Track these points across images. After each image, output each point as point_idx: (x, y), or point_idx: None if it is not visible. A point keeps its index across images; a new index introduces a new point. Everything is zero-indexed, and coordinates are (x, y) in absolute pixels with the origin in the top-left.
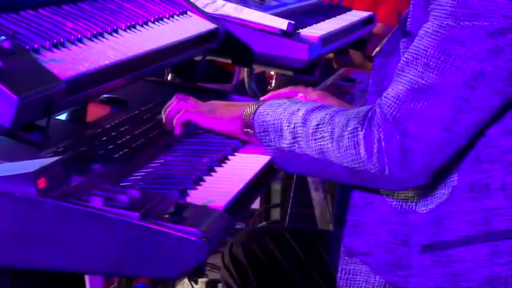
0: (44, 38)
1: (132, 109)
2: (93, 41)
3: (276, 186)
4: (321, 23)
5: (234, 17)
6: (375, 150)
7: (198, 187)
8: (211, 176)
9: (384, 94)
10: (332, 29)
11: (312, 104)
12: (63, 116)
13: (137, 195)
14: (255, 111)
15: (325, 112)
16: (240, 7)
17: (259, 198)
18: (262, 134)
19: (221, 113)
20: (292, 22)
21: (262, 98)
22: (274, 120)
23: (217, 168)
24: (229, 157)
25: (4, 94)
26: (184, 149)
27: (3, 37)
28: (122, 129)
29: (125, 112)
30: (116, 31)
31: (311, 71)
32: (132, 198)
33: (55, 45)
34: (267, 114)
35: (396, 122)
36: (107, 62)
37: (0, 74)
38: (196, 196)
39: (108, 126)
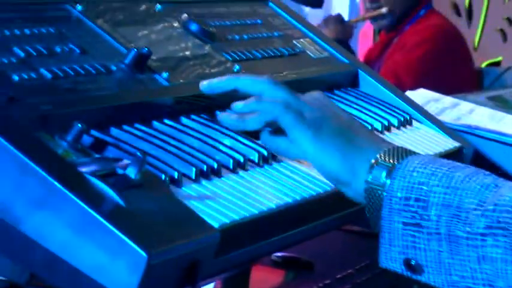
0: (189, 164)
1: (321, 276)
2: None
3: None
4: None
5: (491, 130)
6: None
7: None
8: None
9: None
10: None
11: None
12: None
13: None
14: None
15: None
16: (499, 113)
17: None
18: (409, 201)
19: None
20: None
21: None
22: (445, 188)
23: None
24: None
25: (127, 248)
26: None
27: (126, 161)
28: None
29: (308, 280)
30: None
31: None
32: None
33: (204, 174)
34: (427, 173)
35: None
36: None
37: (121, 218)
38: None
39: None
